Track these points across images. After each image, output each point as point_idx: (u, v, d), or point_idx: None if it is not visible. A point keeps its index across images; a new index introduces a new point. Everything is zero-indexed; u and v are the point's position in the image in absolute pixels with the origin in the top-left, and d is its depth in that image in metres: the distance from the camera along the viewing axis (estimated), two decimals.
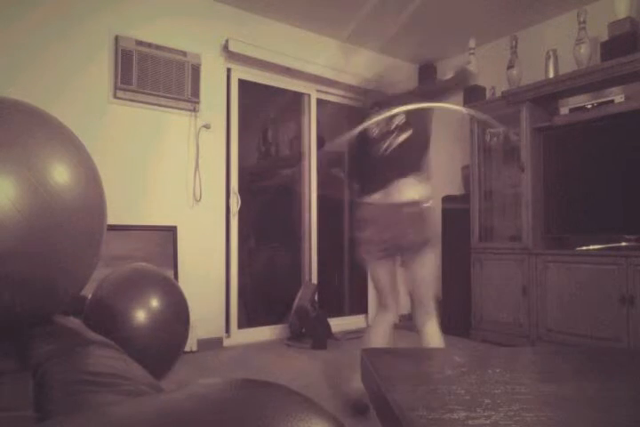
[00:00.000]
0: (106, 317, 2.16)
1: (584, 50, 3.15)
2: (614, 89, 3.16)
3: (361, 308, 4.27)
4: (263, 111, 4.27)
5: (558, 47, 3.43)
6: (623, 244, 2.92)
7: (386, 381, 0.70)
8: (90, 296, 2.27)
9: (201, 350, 3.16)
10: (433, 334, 2.09)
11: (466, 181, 3.95)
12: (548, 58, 3.39)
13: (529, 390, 0.69)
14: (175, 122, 3.24)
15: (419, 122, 2.04)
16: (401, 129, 2.02)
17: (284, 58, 3.67)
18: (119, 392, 0.71)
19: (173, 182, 3.23)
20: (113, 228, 2.73)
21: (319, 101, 4.08)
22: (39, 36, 2.76)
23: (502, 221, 3.73)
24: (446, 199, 3.99)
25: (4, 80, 2.63)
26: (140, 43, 3.02)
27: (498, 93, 3.67)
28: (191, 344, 3.08)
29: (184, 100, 3.21)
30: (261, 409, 0.43)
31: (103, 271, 2.41)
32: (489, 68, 3.93)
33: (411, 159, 2.02)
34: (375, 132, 2.07)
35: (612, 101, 3.06)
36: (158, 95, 3.10)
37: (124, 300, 2.18)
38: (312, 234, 3.98)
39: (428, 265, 2.07)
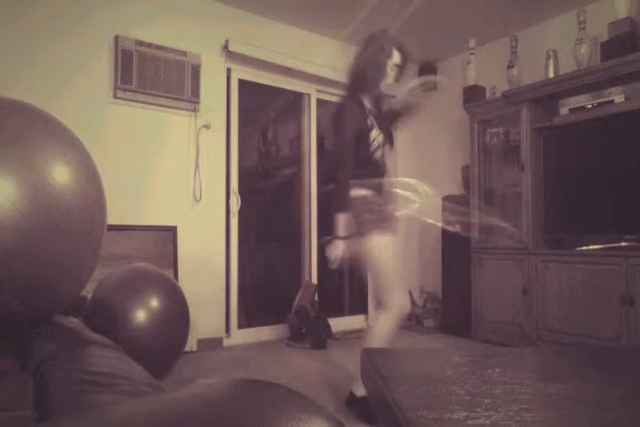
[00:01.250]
0: (106, 317, 2.16)
1: (584, 50, 3.15)
2: (614, 89, 3.16)
3: (361, 308, 4.27)
4: (263, 111, 4.27)
5: (558, 47, 3.43)
6: (623, 244, 2.92)
7: (386, 381, 0.70)
8: (90, 296, 2.27)
9: (201, 350, 3.16)
10: (375, 328, 2.06)
11: (466, 181, 3.95)
12: (548, 58, 3.39)
13: (529, 390, 0.69)
14: (175, 122, 3.24)
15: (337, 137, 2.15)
16: None
17: (284, 58, 3.67)
18: (119, 392, 0.71)
19: (173, 182, 3.23)
20: (113, 228, 2.73)
21: (319, 101, 4.08)
22: (39, 35, 2.76)
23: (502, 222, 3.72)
24: (446, 199, 3.99)
25: (3, 80, 2.63)
26: (140, 43, 3.01)
27: (498, 93, 3.67)
28: (191, 344, 3.08)
29: (184, 100, 3.21)
30: (261, 409, 0.43)
31: (103, 271, 2.40)
32: (489, 68, 3.93)
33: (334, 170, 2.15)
34: None
35: (612, 101, 3.06)
36: (158, 95, 3.10)
37: (124, 300, 2.18)
38: (312, 234, 3.98)
39: (373, 251, 2.05)
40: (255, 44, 3.52)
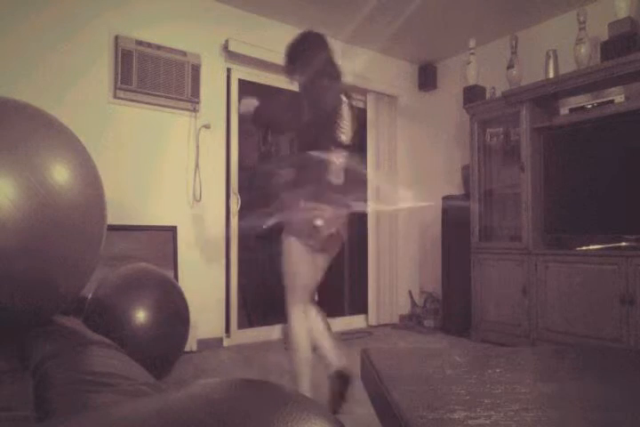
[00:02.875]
0: (106, 317, 2.16)
1: (584, 50, 3.15)
2: (614, 89, 3.16)
3: (361, 308, 4.27)
4: None
5: (558, 47, 3.43)
6: (623, 244, 2.92)
7: (386, 381, 0.70)
8: (90, 296, 2.28)
9: (201, 350, 3.16)
10: None
11: (466, 181, 3.95)
12: (548, 58, 3.39)
13: (529, 390, 0.69)
14: (175, 122, 3.24)
15: None
16: None
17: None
18: (119, 392, 0.71)
19: (173, 182, 3.23)
20: (113, 228, 2.73)
21: None
22: (40, 36, 2.76)
23: (502, 221, 3.73)
24: (446, 199, 4.00)
25: (4, 81, 2.63)
26: (140, 43, 3.01)
27: (498, 93, 3.67)
28: (191, 344, 3.08)
29: (184, 100, 3.21)
30: (261, 410, 0.43)
31: (103, 271, 2.41)
32: (489, 68, 3.93)
33: None
34: None
35: (612, 101, 3.06)
36: (158, 95, 3.10)
37: (124, 300, 2.18)
38: None
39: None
40: (255, 44, 3.52)
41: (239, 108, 2.14)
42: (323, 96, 2.06)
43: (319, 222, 1.98)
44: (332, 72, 2.17)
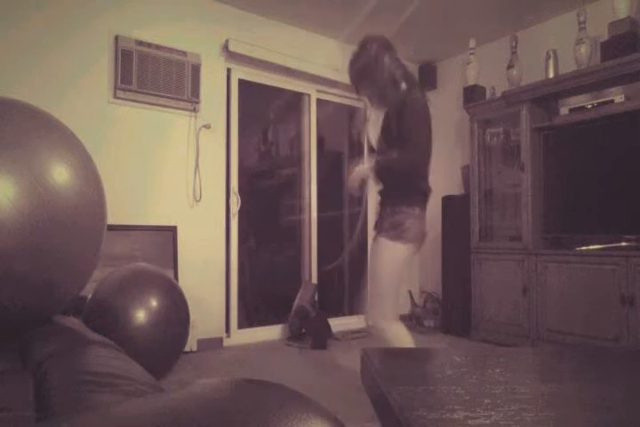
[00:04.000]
0: (106, 317, 2.16)
1: (584, 50, 3.15)
2: (614, 89, 3.16)
3: (361, 308, 4.27)
4: (263, 111, 4.27)
5: (558, 47, 3.44)
6: (623, 244, 2.92)
7: (386, 381, 0.70)
8: (90, 296, 2.28)
9: (201, 350, 3.16)
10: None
11: (466, 181, 3.95)
12: (547, 58, 3.39)
13: (529, 390, 0.69)
14: (175, 122, 3.24)
15: None
16: None
17: (284, 58, 3.67)
18: (119, 392, 0.71)
19: (173, 182, 3.23)
20: (113, 228, 2.73)
21: (319, 101, 4.08)
22: (40, 36, 2.76)
23: (502, 221, 3.73)
24: (446, 199, 4.00)
25: (4, 81, 2.63)
26: (139, 43, 3.02)
27: (498, 93, 3.67)
28: (191, 344, 3.08)
29: (184, 100, 3.21)
30: (261, 409, 0.43)
31: (103, 271, 2.41)
32: (489, 68, 3.93)
33: None
34: None
35: (612, 101, 3.06)
36: (158, 95, 3.10)
37: (124, 300, 2.18)
38: (312, 234, 3.97)
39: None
40: (255, 44, 3.52)
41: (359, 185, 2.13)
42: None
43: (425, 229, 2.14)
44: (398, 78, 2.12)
